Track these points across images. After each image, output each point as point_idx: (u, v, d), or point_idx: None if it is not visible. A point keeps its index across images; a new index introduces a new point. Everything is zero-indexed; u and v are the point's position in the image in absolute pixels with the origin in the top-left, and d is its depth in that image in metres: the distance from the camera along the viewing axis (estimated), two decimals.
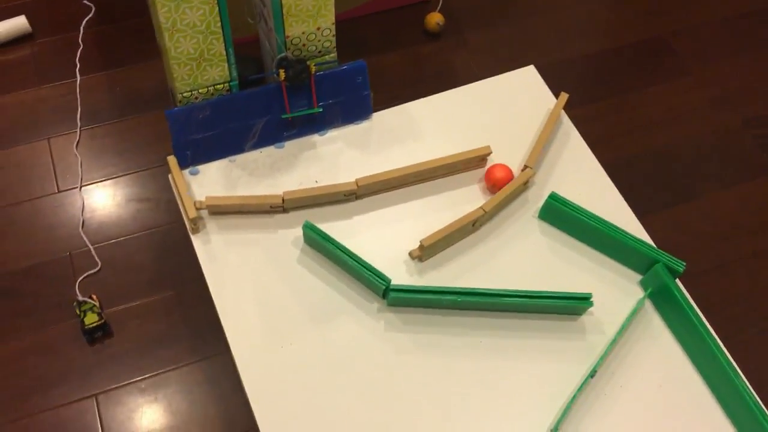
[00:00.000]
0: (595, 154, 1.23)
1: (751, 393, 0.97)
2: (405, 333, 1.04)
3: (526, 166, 1.17)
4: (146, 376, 1.26)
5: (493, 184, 1.14)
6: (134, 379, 1.27)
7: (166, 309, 1.31)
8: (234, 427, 1.25)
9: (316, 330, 1.03)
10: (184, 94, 1.13)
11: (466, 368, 1.02)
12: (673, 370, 1.04)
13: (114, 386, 1.26)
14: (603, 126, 1.62)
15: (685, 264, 1.07)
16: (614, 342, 1.04)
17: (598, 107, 1.66)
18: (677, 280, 1.09)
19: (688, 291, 1.11)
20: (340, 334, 1.03)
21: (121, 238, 1.40)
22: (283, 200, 1.10)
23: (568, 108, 1.26)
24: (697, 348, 1.03)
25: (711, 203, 1.41)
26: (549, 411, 0.98)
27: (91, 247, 1.38)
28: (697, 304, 1.11)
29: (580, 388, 1.00)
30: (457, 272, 1.10)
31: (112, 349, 1.28)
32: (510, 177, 1.14)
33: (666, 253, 1.08)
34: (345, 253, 1.04)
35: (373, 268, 1.03)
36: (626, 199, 1.18)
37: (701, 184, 1.44)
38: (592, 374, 1.02)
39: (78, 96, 1.58)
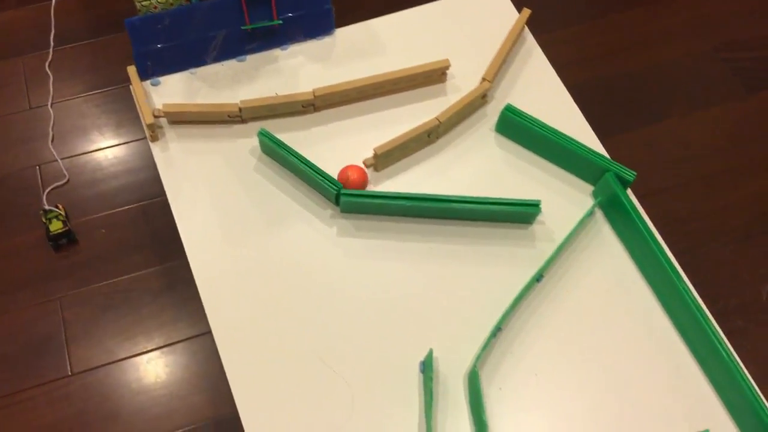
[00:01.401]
0: (566, 76, 1.24)
1: (694, 296, 0.99)
2: (357, 238, 1.06)
3: (483, 79, 1.17)
4: (110, 281, 1.30)
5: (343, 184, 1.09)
6: (98, 284, 1.30)
7: (131, 219, 1.35)
8: (193, 328, 1.29)
9: (270, 235, 1.06)
10: (143, 3, 1.13)
11: (416, 272, 1.04)
12: (621, 276, 1.06)
13: (77, 290, 1.30)
14: (576, 49, 1.62)
15: (635, 173, 1.08)
16: (562, 248, 1.06)
17: (573, 31, 1.65)
18: (629, 191, 1.11)
19: (651, 208, 1.13)
20: (294, 239, 1.05)
21: (89, 153, 1.43)
22: (240, 109, 1.11)
23: (542, 32, 1.26)
24: (645, 256, 1.05)
25: (679, 125, 1.42)
26: (496, 313, 1.01)
27: (59, 160, 1.40)
28: (660, 220, 1.12)
29: (526, 291, 1.02)
30: (412, 182, 1.12)
31: (77, 257, 1.32)
32: (363, 178, 1.09)
33: (617, 163, 1.09)
34: (298, 160, 1.06)
35: (325, 174, 1.05)
36: (594, 120, 1.19)
37: (670, 107, 1.44)
38: (539, 278, 1.04)
39: (52, 17, 1.59)
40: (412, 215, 1.08)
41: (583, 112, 1.20)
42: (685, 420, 0.96)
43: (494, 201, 1.05)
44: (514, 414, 0.95)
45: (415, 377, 0.97)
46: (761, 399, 0.92)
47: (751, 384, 0.93)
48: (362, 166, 1.09)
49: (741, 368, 0.94)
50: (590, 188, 1.13)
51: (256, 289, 1.01)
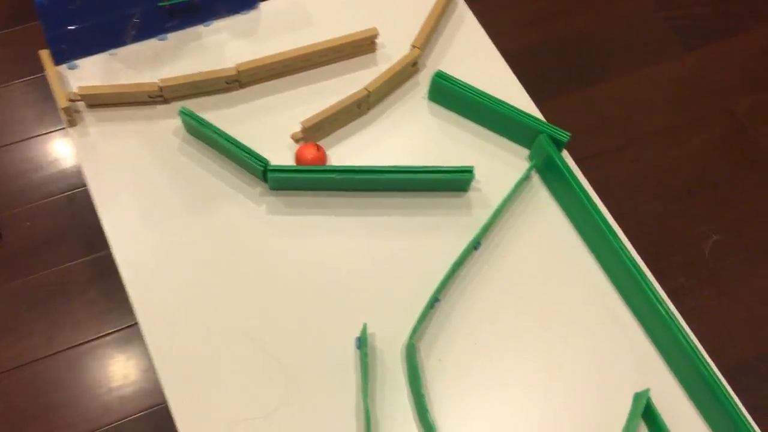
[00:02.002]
0: (502, 42, 1.21)
1: (631, 255, 0.98)
2: (288, 215, 1.03)
3: (413, 46, 1.14)
4: (37, 274, 1.26)
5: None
6: (25, 278, 1.26)
7: (57, 211, 1.30)
8: (125, 318, 1.25)
9: (197, 218, 1.02)
10: None
11: (350, 247, 1.01)
12: (559, 240, 1.04)
13: (3, 285, 1.25)
14: (511, 14, 1.59)
15: (569, 134, 1.06)
16: (498, 214, 1.03)
17: None
18: (566, 153, 1.09)
19: (591, 170, 1.11)
20: (222, 220, 1.02)
21: (12, 144, 1.37)
22: (160, 88, 1.07)
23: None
24: (582, 218, 1.03)
25: (620, 86, 1.40)
26: (433, 284, 0.98)
27: None
28: (600, 182, 1.11)
29: (462, 260, 1.00)
30: (343, 155, 1.08)
31: (2, 251, 1.27)
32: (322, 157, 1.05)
33: (550, 125, 1.07)
34: (223, 138, 1.02)
35: (250, 150, 1.01)
36: (531, 85, 1.16)
37: (609, 68, 1.43)
38: (476, 246, 1.02)
39: None
40: (344, 189, 1.04)
41: (519, 78, 1.18)
42: (627, 381, 0.95)
43: (427, 169, 1.02)
44: (454, 384, 0.93)
45: (351, 354, 0.94)
46: (701, 355, 0.91)
47: (691, 340, 0.92)
48: (318, 144, 1.05)
49: (680, 325, 0.93)
50: (526, 152, 1.11)
51: (185, 275, 0.98)
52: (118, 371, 1.20)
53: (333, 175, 1.00)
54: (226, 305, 0.96)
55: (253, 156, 1.00)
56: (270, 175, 1.00)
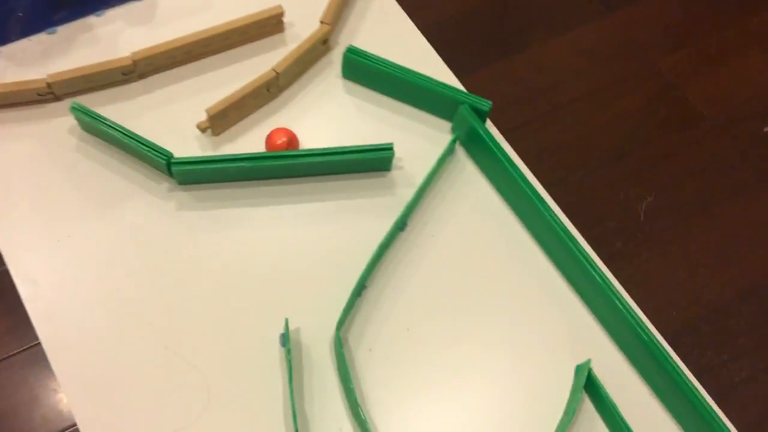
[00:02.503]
0: (418, 15, 1.16)
1: (561, 222, 0.94)
2: (199, 210, 0.96)
3: (322, 22, 1.08)
4: None
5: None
6: None
7: None
8: (29, 337, 1.16)
9: (100, 221, 0.94)
10: None
11: (269, 239, 0.95)
12: (488, 214, 1.00)
13: None
14: None
15: (491, 103, 1.01)
16: (423, 191, 0.98)
17: None
18: (491, 126, 1.04)
19: (519, 141, 1.07)
20: (128, 220, 0.94)
21: None
22: (48, 84, 0.98)
23: None
24: (510, 189, 0.99)
25: (542, 53, 1.36)
26: (359, 271, 0.92)
27: None
28: (528, 153, 1.06)
29: (388, 242, 0.94)
30: (256, 142, 1.02)
31: None
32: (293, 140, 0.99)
33: (471, 94, 1.02)
34: (120, 132, 0.94)
35: (151, 143, 0.93)
36: (452, 58, 1.11)
37: (531, 36, 1.39)
38: (402, 227, 0.97)
39: None
40: (259, 178, 0.98)
41: (439, 52, 1.13)
42: (569, 354, 0.91)
43: (344, 150, 0.96)
44: (387, 373, 0.87)
45: (276, 353, 0.88)
46: (639, 320, 0.87)
47: (627, 305, 0.88)
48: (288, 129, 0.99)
49: (616, 290, 0.89)
50: (449, 126, 1.06)
51: (90, 285, 0.90)
52: (24, 393, 1.11)
53: (243, 164, 0.94)
54: (138, 313, 0.88)
55: (154, 149, 0.93)
56: (174, 168, 0.93)
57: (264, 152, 0.95)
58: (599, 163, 1.21)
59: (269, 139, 0.98)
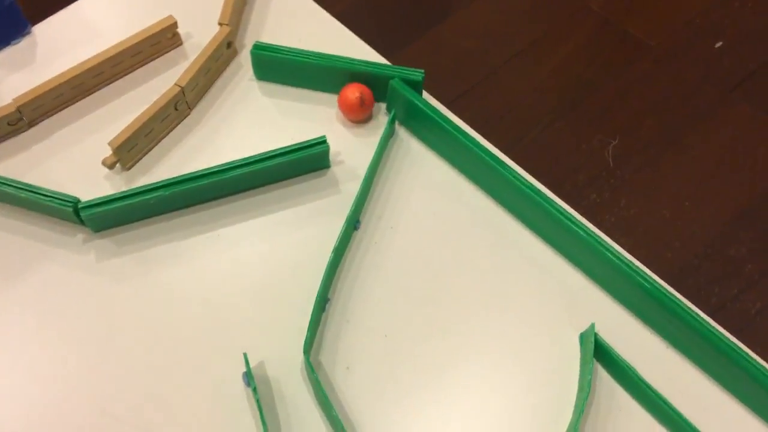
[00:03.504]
0: (328, 4, 1.06)
1: (527, 181, 0.84)
2: (122, 256, 0.84)
3: (220, 24, 0.97)
4: None
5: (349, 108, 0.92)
6: None
7: None
8: None
9: (9, 292, 0.81)
10: None
11: (210, 269, 0.83)
12: (446, 191, 0.89)
13: None
14: None
15: (423, 71, 0.91)
16: (370, 181, 0.87)
17: None
18: (429, 97, 0.94)
19: (464, 111, 0.97)
20: (41, 285, 0.82)
21: None
22: None
23: None
24: (464, 159, 0.88)
25: (467, 16, 1.27)
26: (318, 282, 0.81)
27: None
28: (477, 121, 0.97)
29: (344, 245, 0.83)
30: (175, 168, 0.90)
31: None
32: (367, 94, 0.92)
33: (399, 67, 0.92)
34: (16, 187, 0.82)
35: (53, 192, 0.81)
36: (375, 40, 1.02)
37: (451, 2, 1.29)
38: (355, 225, 0.86)
39: None
40: (183, 205, 0.86)
41: (360, 37, 1.03)
42: (568, 324, 0.80)
43: (273, 153, 0.85)
44: (372, 389, 0.76)
45: (242, 395, 0.75)
46: (636, 267, 0.77)
47: (621, 254, 0.78)
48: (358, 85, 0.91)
49: (604, 241, 0.79)
50: (383, 107, 0.96)
51: (10, 363, 0.77)
52: None
53: (161, 192, 0.82)
54: (75, 386, 0.75)
55: (57, 198, 0.81)
56: (84, 214, 0.81)
57: (182, 175, 0.83)
58: (553, 117, 1.12)
59: (342, 98, 0.91)
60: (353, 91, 0.90)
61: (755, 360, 0.72)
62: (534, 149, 0.97)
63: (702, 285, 0.92)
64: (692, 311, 0.74)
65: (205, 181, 0.83)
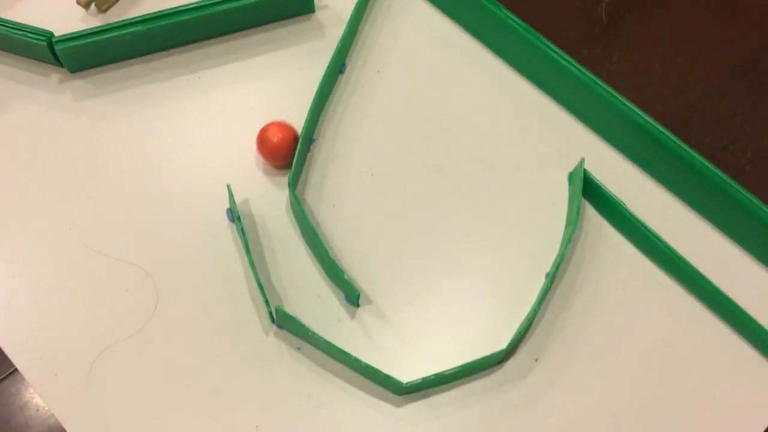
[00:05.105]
0: None
1: (523, 23, 0.81)
2: (99, 96, 0.81)
3: None
4: None
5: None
6: None
7: None
8: None
9: None
10: None
11: (190, 110, 0.81)
12: (434, 34, 0.87)
13: None
14: None
15: None
16: (356, 24, 0.85)
17: None
18: None
19: None
20: (18, 125, 0.79)
21: None
22: None
23: None
24: (460, 3, 0.85)
25: None
26: (302, 121, 0.78)
27: None
28: None
29: (328, 89, 0.81)
30: (154, 9, 0.86)
31: None
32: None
33: None
34: None
35: (27, 26, 0.78)
36: None
37: None
38: (341, 69, 0.83)
39: None
40: (162, 47, 0.83)
41: None
42: (558, 162, 0.79)
43: None
44: (358, 226, 0.75)
45: (227, 231, 0.74)
46: (629, 104, 0.76)
47: (613, 91, 0.76)
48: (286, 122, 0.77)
49: (596, 79, 0.77)
50: None
51: None
52: None
53: (138, 28, 0.79)
54: (58, 224, 0.74)
55: (31, 32, 0.78)
56: (59, 48, 0.77)
57: (159, 11, 0.79)
58: None
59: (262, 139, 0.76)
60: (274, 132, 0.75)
61: (739, 187, 0.71)
62: (524, 4, 0.94)
63: (692, 136, 0.91)
64: (685, 145, 0.73)
65: (182, 18, 0.80)
